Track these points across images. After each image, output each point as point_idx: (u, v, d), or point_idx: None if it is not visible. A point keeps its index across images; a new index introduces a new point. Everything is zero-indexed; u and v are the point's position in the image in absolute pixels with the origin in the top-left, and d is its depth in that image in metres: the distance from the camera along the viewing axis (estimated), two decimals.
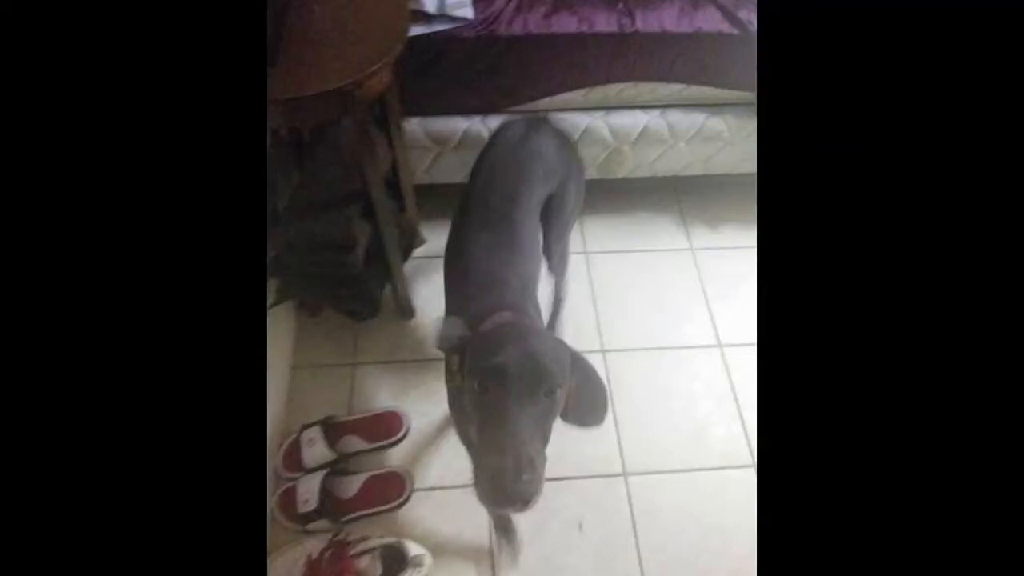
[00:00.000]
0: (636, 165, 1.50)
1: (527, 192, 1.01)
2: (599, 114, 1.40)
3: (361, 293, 1.28)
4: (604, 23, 1.26)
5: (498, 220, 0.97)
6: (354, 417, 1.28)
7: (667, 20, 1.28)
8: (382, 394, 1.34)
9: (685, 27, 1.28)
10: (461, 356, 0.74)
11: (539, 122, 1.12)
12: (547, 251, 1.12)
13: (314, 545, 1.13)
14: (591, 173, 1.50)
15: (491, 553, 1.17)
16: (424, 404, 1.32)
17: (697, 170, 1.55)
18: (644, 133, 1.42)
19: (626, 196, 1.66)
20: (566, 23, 1.25)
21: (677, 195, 1.70)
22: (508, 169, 1.03)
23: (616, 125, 1.41)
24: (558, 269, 1.27)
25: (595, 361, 1.41)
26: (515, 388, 0.65)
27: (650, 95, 1.38)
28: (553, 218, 1.09)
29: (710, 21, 1.29)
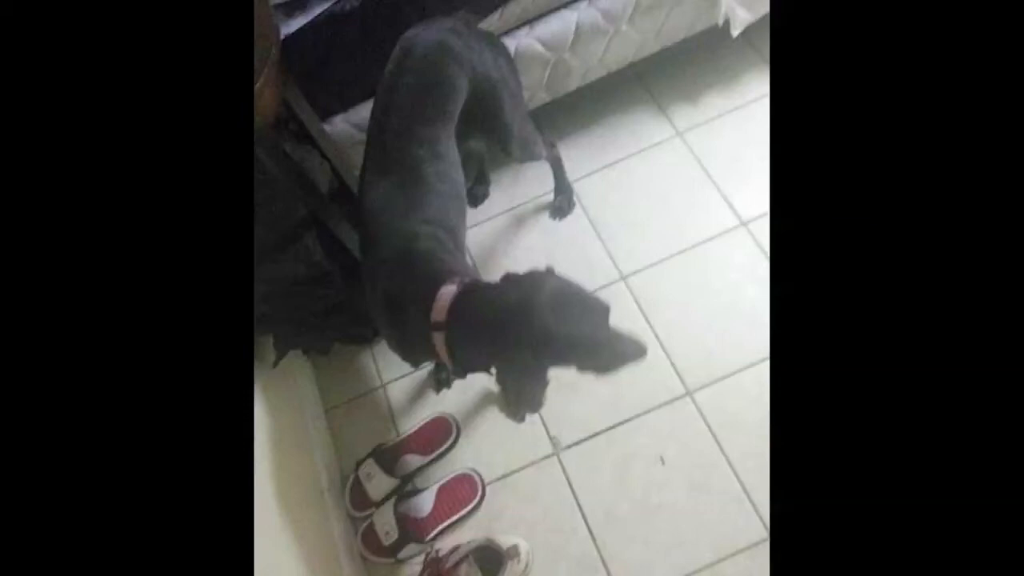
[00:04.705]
0: (586, 69, 1.35)
1: (426, 117, 0.88)
2: (523, 31, 1.25)
3: (356, 315, 1.21)
4: None
5: (393, 164, 0.85)
6: (403, 436, 1.24)
7: None
8: (420, 405, 1.29)
9: None
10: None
11: (418, 30, 0.94)
12: (506, 149, 1.04)
13: (412, 571, 1.11)
14: (541, 97, 1.36)
15: (583, 516, 1.13)
16: (460, 396, 1.27)
17: (652, 48, 1.38)
18: (579, 32, 1.26)
19: (590, 106, 1.51)
20: None
21: (643, 82, 1.54)
22: (395, 101, 0.88)
23: (546, 35, 1.25)
24: (530, 153, 1.16)
25: (619, 292, 1.32)
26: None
27: None
28: (490, 120, 0.98)
29: None
